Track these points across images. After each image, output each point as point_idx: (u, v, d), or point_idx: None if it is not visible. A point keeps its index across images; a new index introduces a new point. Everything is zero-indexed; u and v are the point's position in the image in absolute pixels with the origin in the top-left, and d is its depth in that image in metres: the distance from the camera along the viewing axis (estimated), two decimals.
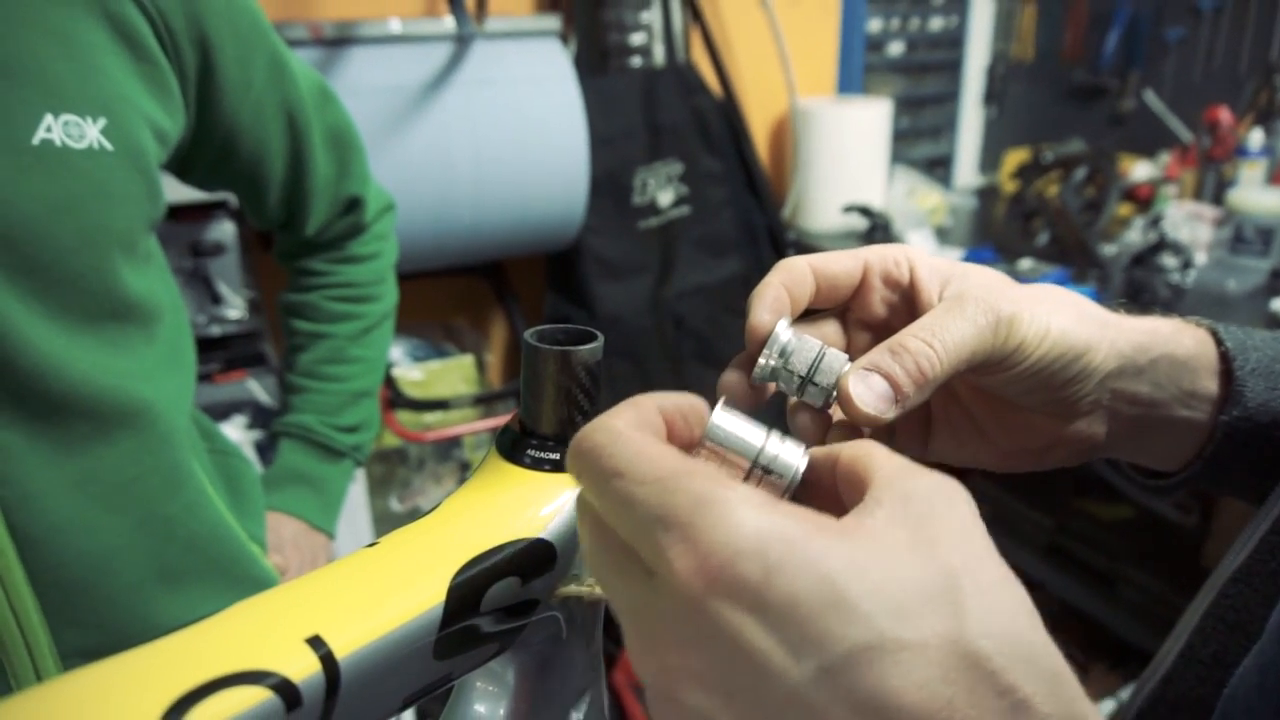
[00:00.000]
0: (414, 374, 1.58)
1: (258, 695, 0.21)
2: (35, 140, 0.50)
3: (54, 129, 0.51)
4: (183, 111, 0.62)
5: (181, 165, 0.68)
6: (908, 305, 0.35)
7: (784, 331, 0.33)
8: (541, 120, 1.41)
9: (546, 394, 0.33)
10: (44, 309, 0.52)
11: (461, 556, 0.28)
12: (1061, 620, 1.66)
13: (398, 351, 1.63)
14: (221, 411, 1.35)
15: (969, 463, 0.39)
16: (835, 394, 0.32)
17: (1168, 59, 1.78)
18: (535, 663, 0.34)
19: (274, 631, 0.22)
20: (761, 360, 0.33)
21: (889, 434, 0.35)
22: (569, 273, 1.65)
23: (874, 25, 1.95)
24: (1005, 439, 0.38)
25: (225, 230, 1.36)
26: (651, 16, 1.61)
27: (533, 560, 0.30)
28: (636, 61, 1.60)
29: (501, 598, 0.29)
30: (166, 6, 0.57)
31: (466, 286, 1.73)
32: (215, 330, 1.37)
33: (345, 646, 0.23)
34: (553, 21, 1.49)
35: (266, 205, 0.76)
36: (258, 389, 1.39)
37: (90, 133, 0.52)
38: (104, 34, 0.54)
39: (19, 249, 0.50)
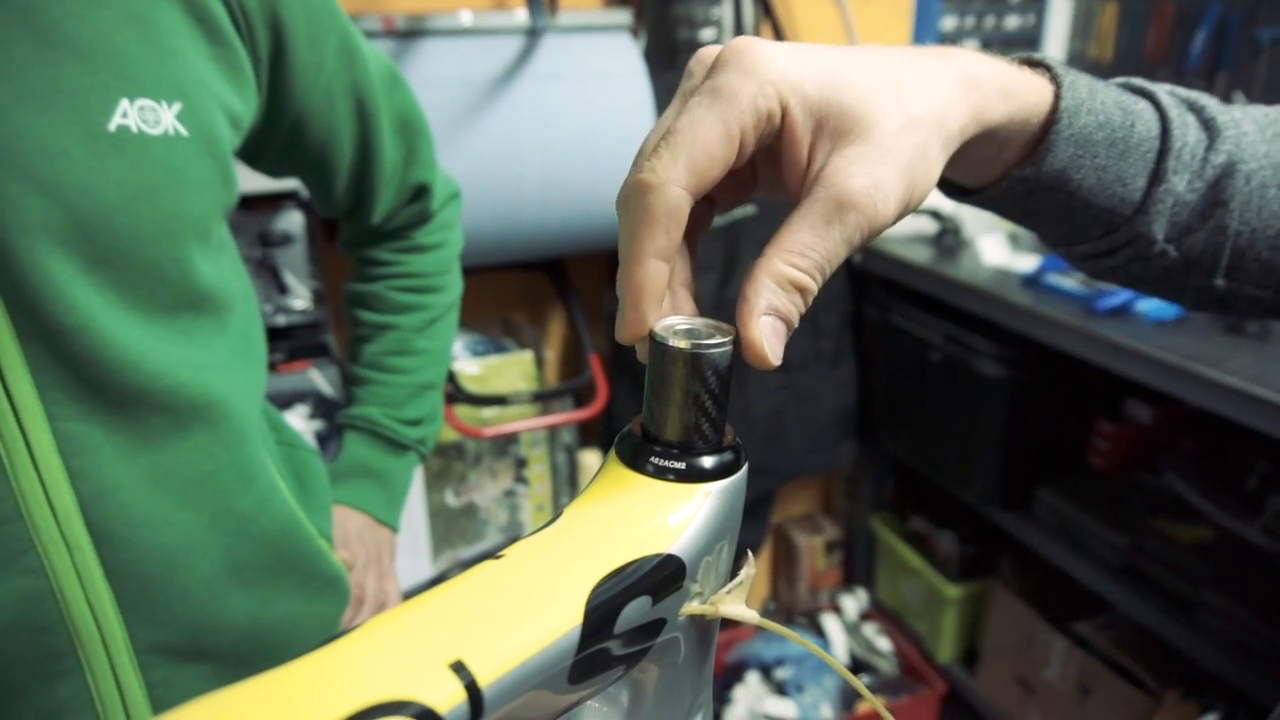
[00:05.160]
0: (472, 369, 1.57)
1: None
2: (111, 126, 0.49)
3: (130, 114, 0.49)
4: (255, 95, 0.60)
5: (252, 151, 0.67)
6: (772, 148, 0.32)
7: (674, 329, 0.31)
8: (611, 115, 1.39)
9: (673, 398, 0.31)
10: (121, 300, 0.51)
11: (594, 573, 0.26)
12: (1134, 644, 1.59)
13: (457, 345, 1.62)
14: (284, 401, 1.36)
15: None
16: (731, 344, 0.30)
17: (1260, 60, 1.70)
18: (651, 683, 0.32)
19: (415, 656, 0.20)
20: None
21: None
22: None
23: (948, 23, 1.90)
24: None
25: (294, 220, 1.36)
26: (722, 12, 1.59)
27: (664, 578, 0.28)
28: None
29: (634, 618, 0.27)
30: None
31: (526, 282, 1.72)
32: (280, 320, 1.38)
33: (489, 673, 0.21)
34: (623, 16, 1.47)
35: (334, 192, 0.75)
36: (320, 379, 1.40)
37: (166, 118, 0.51)
38: (179, 16, 0.53)
39: (96, 238, 0.49)
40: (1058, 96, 0.37)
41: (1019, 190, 0.39)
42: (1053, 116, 0.37)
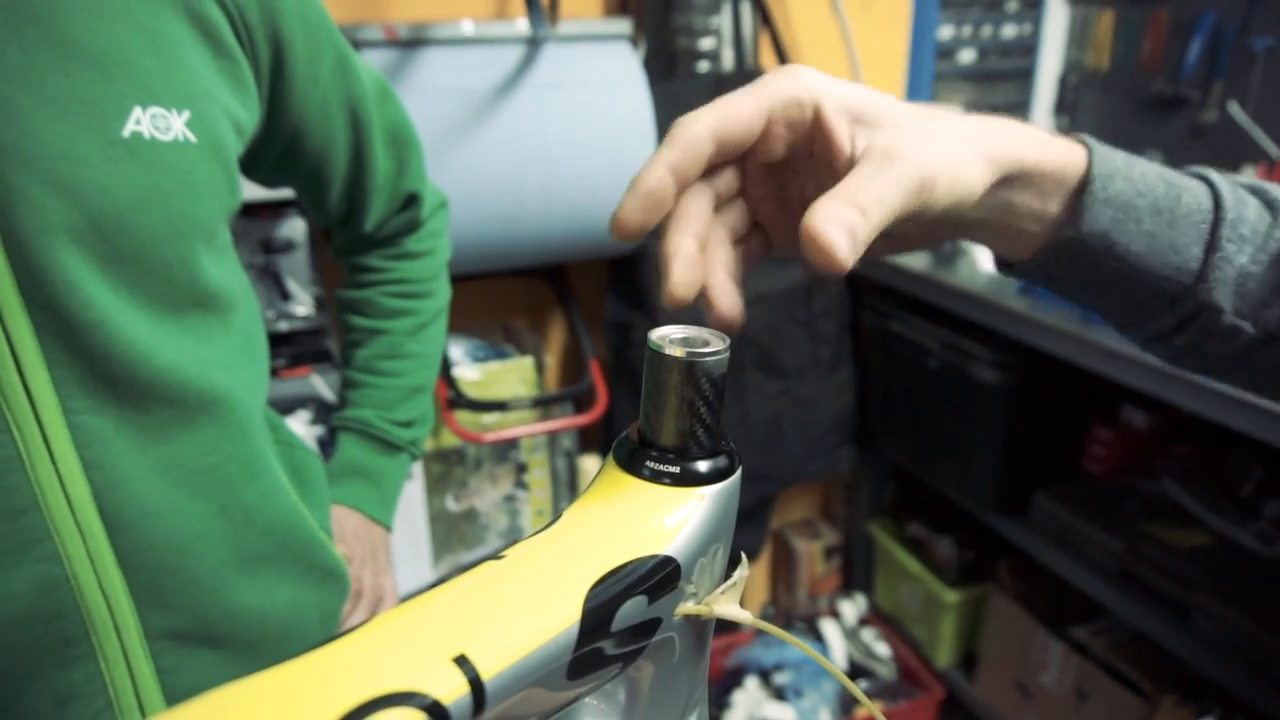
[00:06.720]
0: (473, 374, 1.58)
1: (410, 718, 0.20)
2: (125, 133, 0.51)
3: (143, 121, 0.52)
4: (257, 105, 0.63)
5: (250, 161, 0.69)
6: (810, 143, 0.35)
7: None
8: (611, 123, 1.40)
9: (668, 404, 0.32)
10: (132, 298, 0.53)
11: (593, 573, 0.27)
12: (1131, 649, 1.60)
13: (458, 351, 1.63)
14: (286, 406, 1.37)
15: None
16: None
17: (1255, 69, 1.72)
18: (647, 681, 0.33)
19: (420, 650, 0.21)
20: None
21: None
22: (631, 277, 1.64)
23: (945, 32, 1.91)
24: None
25: (296, 228, 1.38)
26: (721, 21, 1.60)
27: (660, 579, 0.29)
28: (705, 66, 1.58)
29: (630, 617, 0.28)
30: (244, 2, 0.59)
31: (526, 288, 1.73)
32: (283, 326, 1.39)
33: (491, 667, 0.22)
34: (623, 25, 1.48)
35: (328, 201, 0.77)
36: (321, 385, 1.41)
37: (176, 125, 0.53)
38: (186, 29, 0.55)
39: (111, 239, 0.51)
40: (1090, 162, 0.38)
41: (1065, 254, 0.40)
42: (1086, 177, 0.38)
